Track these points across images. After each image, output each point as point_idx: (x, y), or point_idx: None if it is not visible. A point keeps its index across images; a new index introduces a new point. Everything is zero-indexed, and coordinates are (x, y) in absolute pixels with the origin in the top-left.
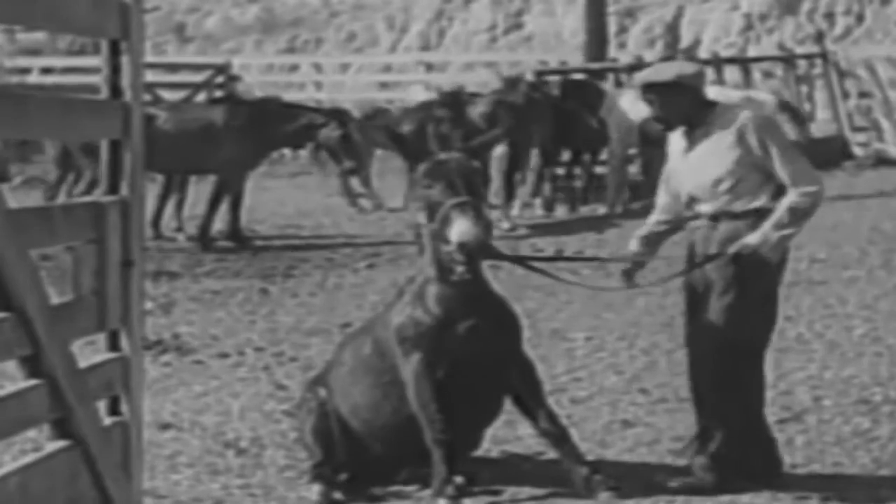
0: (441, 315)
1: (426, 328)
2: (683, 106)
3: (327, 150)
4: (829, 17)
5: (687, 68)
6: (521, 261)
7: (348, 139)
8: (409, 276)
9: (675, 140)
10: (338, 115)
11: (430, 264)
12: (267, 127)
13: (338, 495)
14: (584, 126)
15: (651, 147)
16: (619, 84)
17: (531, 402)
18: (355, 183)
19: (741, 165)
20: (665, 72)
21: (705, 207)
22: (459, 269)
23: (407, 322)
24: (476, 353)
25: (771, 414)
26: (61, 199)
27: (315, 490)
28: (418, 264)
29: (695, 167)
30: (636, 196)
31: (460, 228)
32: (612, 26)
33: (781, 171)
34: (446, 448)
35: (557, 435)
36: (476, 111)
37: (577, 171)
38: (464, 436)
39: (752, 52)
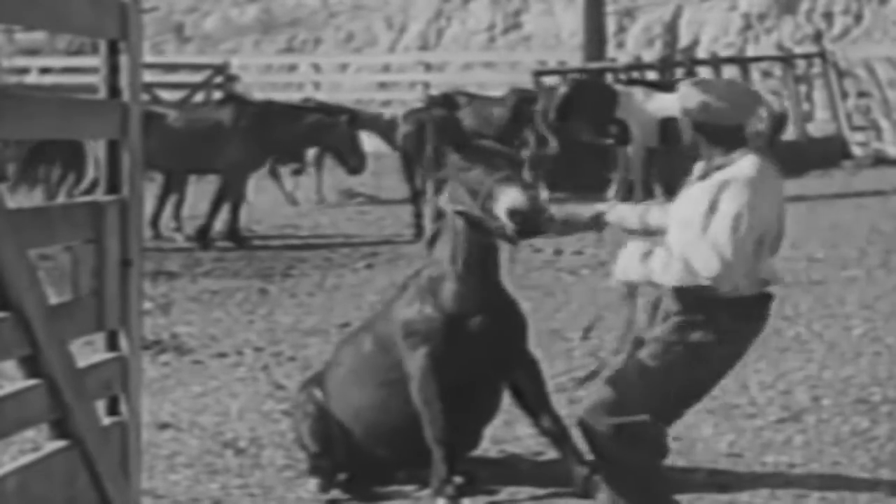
0: (454, 312)
1: (437, 324)
2: (696, 142)
3: (333, 152)
4: (828, 16)
5: (695, 99)
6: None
7: (354, 139)
8: (416, 269)
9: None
10: (345, 115)
11: (448, 258)
12: (273, 128)
13: (335, 492)
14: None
15: (671, 145)
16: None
17: (535, 401)
18: (355, 182)
19: None
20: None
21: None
22: (512, 237)
23: (416, 317)
24: (483, 353)
25: (770, 414)
26: (61, 198)
27: (313, 483)
28: (429, 258)
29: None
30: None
31: (509, 196)
32: (610, 26)
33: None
34: (447, 448)
35: (558, 435)
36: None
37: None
38: (464, 435)
39: (750, 51)
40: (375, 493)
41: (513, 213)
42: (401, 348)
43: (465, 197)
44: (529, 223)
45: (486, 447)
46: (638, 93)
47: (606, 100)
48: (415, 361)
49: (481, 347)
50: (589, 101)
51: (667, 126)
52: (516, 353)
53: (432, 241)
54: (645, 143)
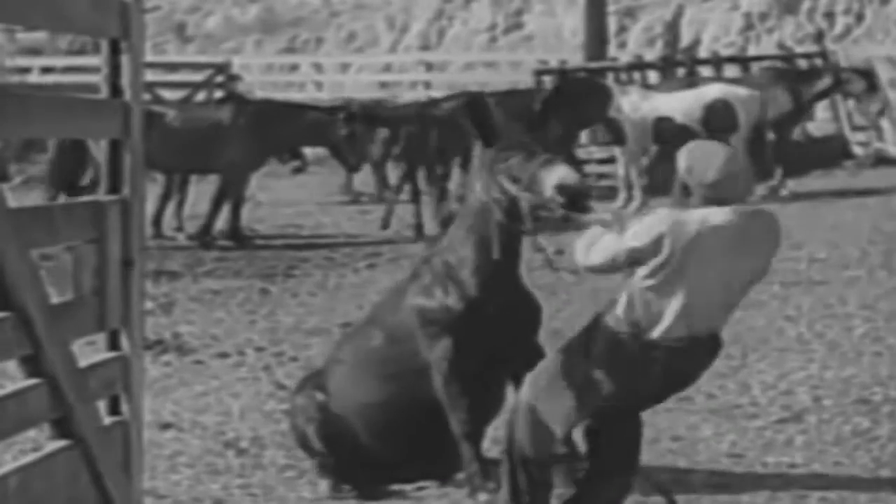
0: (476, 300)
1: (458, 313)
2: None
3: (333, 150)
4: (829, 16)
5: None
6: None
7: (353, 137)
8: (423, 256)
9: None
10: (343, 111)
11: (472, 247)
12: (272, 127)
13: (345, 489)
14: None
15: (665, 145)
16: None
17: None
18: (357, 182)
19: None
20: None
21: None
22: (560, 212)
23: (435, 305)
24: (498, 344)
25: (771, 414)
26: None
27: (324, 484)
28: (438, 245)
29: None
30: None
31: (557, 173)
32: (612, 26)
33: None
34: (475, 443)
35: None
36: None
37: None
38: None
39: (752, 51)
40: (380, 491)
41: (562, 189)
42: (418, 338)
43: (506, 184)
44: (578, 198)
45: (487, 447)
46: (633, 93)
47: (602, 97)
48: (439, 353)
49: (498, 337)
50: (581, 94)
51: (661, 126)
52: (528, 345)
53: (445, 225)
54: (639, 142)
